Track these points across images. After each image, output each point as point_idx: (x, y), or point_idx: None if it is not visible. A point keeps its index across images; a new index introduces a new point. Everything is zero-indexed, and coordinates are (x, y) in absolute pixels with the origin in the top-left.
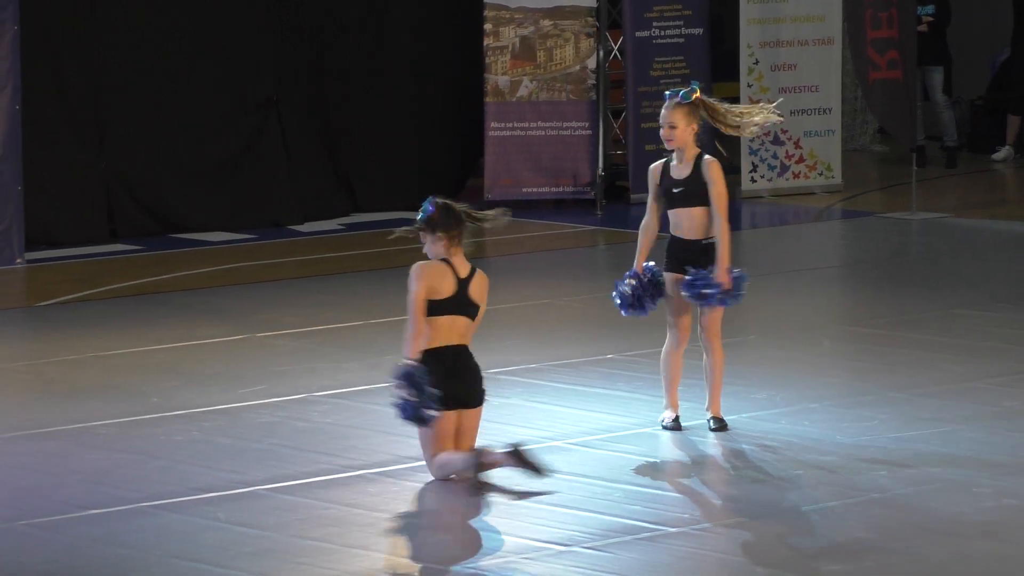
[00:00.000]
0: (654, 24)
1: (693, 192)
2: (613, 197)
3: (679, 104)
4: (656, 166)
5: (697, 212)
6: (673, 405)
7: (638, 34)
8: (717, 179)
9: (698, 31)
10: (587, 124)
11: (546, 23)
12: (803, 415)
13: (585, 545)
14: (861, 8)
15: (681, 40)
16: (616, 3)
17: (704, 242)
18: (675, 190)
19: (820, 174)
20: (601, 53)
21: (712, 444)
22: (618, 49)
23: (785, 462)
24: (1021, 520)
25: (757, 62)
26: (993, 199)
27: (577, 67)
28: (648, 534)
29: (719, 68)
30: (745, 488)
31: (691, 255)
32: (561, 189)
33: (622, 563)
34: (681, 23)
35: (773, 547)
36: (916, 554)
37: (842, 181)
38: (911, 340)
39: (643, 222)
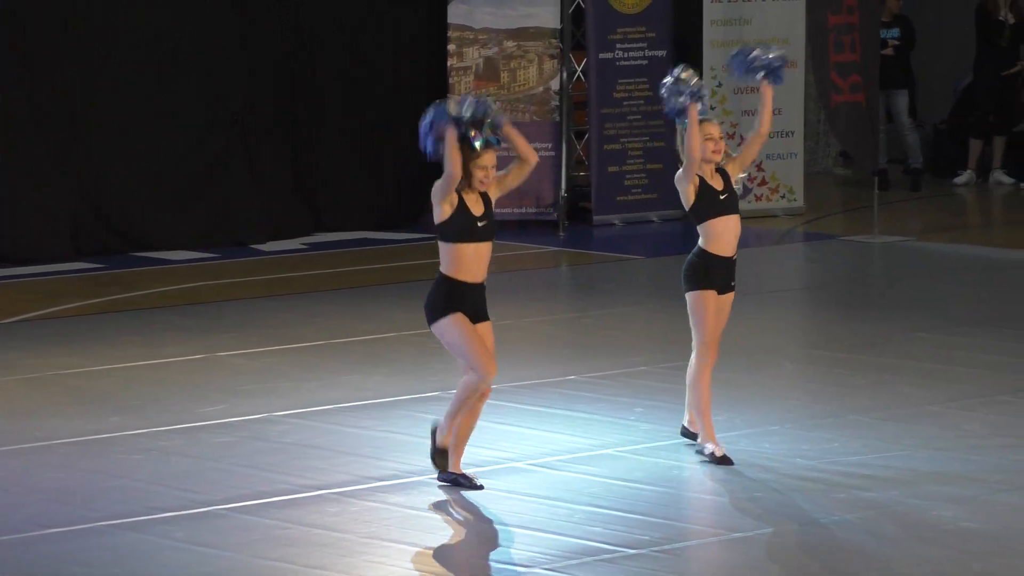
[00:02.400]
0: (617, 46)
1: (735, 197)
2: (576, 218)
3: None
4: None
5: (737, 220)
6: (713, 435)
7: (601, 56)
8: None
9: (661, 53)
10: (550, 145)
11: (510, 44)
12: (763, 437)
13: (546, 567)
14: (824, 32)
15: (644, 62)
16: (580, 25)
17: (735, 259)
18: (721, 196)
19: (782, 197)
20: (564, 74)
21: (673, 466)
22: (581, 70)
23: (745, 485)
24: (980, 542)
25: (720, 84)
26: (955, 223)
27: (540, 88)
28: (608, 556)
29: None
30: (705, 511)
31: (730, 272)
32: (524, 210)
33: None
34: (645, 45)
35: (731, 570)
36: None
37: (804, 204)
38: (872, 363)
39: None
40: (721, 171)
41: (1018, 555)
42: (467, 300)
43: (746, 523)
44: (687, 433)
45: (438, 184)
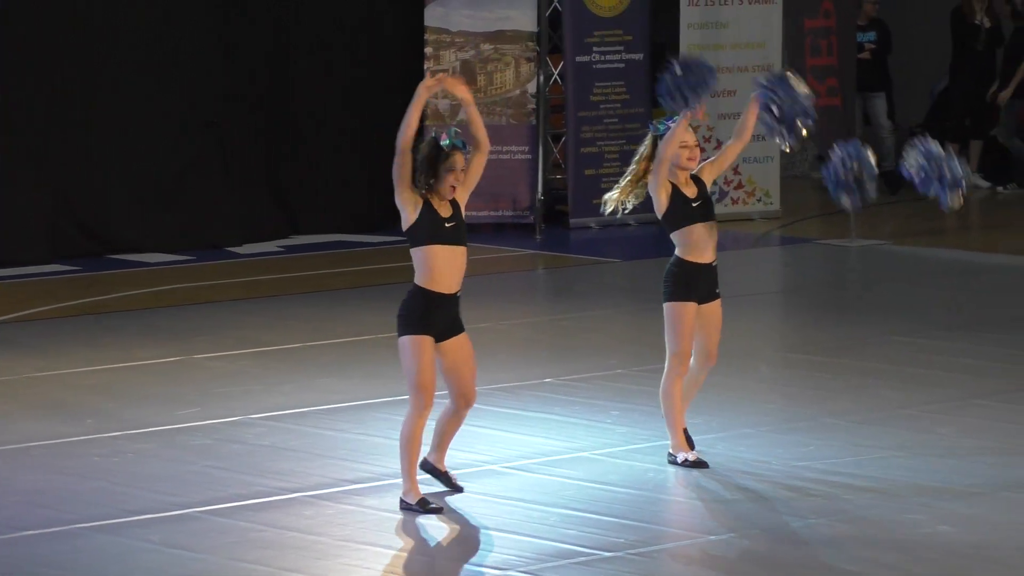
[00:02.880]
0: (594, 49)
1: (710, 204)
2: (552, 221)
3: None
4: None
5: (713, 226)
6: (684, 444)
7: (578, 59)
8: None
9: (638, 56)
10: (527, 148)
11: (487, 47)
12: (739, 440)
13: (520, 569)
14: (800, 35)
15: (622, 65)
16: (557, 28)
17: (715, 264)
18: (694, 204)
19: (759, 200)
20: (541, 78)
21: (648, 469)
22: (558, 74)
23: (720, 488)
24: (956, 548)
25: None
26: (931, 227)
27: (517, 91)
28: (583, 558)
29: None
30: (680, 514)
31: (713, 280)
32: (500, 213)
33: None
34: (622, 48)
35: (706, 573)
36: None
37: (780, 208)
38: (848, 367)
39: None
40: (696, 178)
41: (993, 560)
42: (439, 316)
43: (721, 527)
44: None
45: (393, 173)
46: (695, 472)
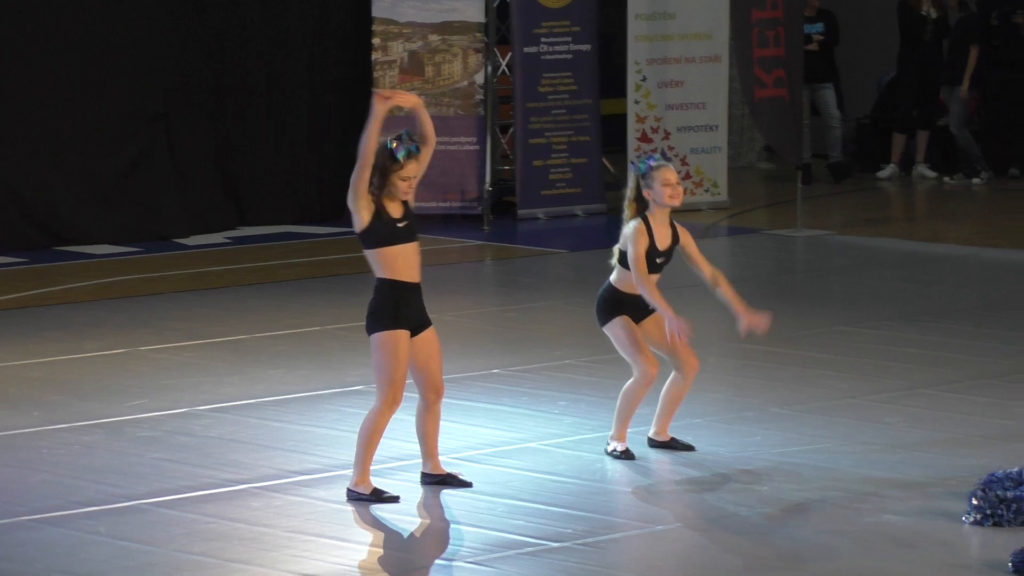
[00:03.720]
0: (542, 40)
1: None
2: (500, 212)
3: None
4: (642, 230)
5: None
6: (623, 435)
7: (526, 50)
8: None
9: (586, 47)
10: (475, 139)
11: (434, 38)
12: (687, 430)
13: (468, 560)
14: (748, 26)
15: (569, 56)
16: (505, 19)
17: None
18: (659, 260)
19: (706, 191)
20: (489, 68)
21: (596, 459)
22: (506, 65)
23: (668, 478)
24: (902, 536)
25: (645, 79)
26: (878, 217)
27: (465, 82)
28: (531, 549)
29: (607, 85)
30: (628, 504)
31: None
32: (448, 204)
33: None
34: (570, 39)
35: (654, 562)
36: (795, 571)
37: (728, 198)
38: (795, 357)
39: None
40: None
41: (938, 544)
42: (410, 307)
43: (669, 516)
44: (653, 443)
45: (352, 181)
46: (643, 462)
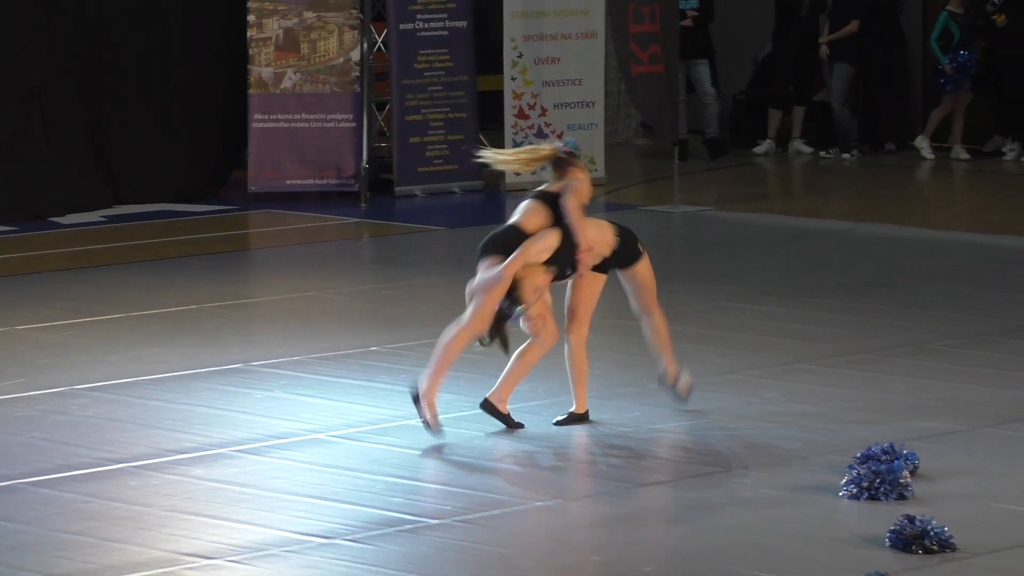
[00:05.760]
0: (418, 17)
1: None
2: (377, 190)
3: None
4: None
5: None
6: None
7: (402, 26)
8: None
9: (462, 24)
10: (351, 116)
11: (310, 15)
12: (566, 406)
13: (347, 538)
14: (623, 3)
15: (445, 33)
16: None
17: None
18: None
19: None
20: (365, 45)
21: (474, 436)
22: (382, 41)
23: (546, 453)
24: (780, 510)
25: (521, 56)
26: (754, 193)
27: (341, 59)
28: (410, 526)
29: (483, 61)
30: (506, 480)
31: None
32: (325, 181)
33: (384, 555)
34: (445, 16)
35: (534, 538)
36: (679, 543)
37: (605, 175)
38: (673, 333)
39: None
40: None
41: (816, 518)
42: None
43: (546, 492)
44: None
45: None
46: (521, 439)
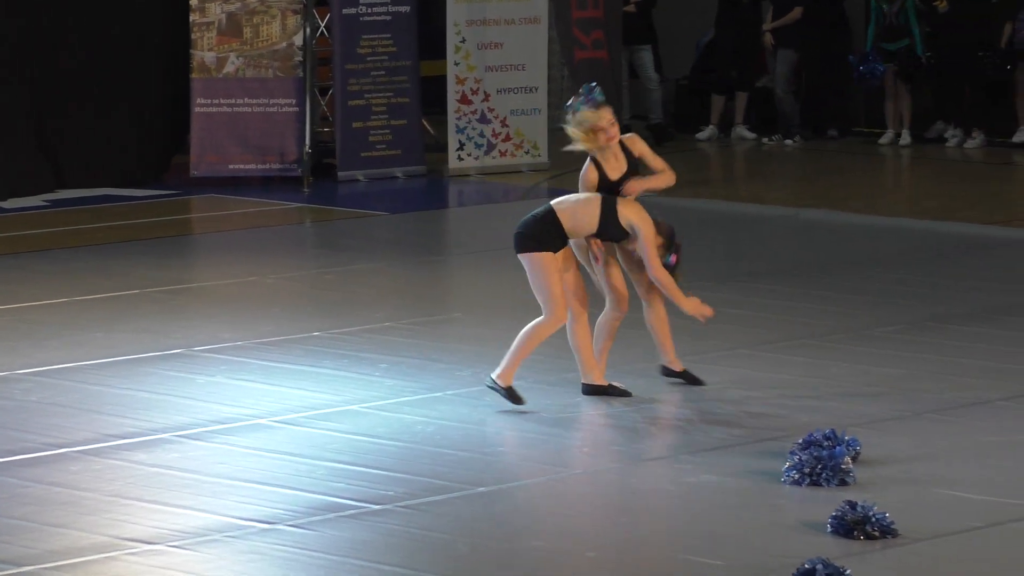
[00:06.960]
0: (361, 2)
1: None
2: (320, 175)
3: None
4: (591, 170)
5: None
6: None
7: (345, 11)
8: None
9: (405, 8)
10: (294, 101)
11: (253, 0)
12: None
13: (289, 523)
14: None
15: (388, 18)
16: None
17: None
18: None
19: (527, 153)
20: (308, 30)
21: (417, 422)
22: (325, 26)
23: (488, 439)
24: (722, 496)
25: (464, 40)
26: (697, 178)
27: (284, 44)
28: (352, 511)
29: (427, 46)
30: (449, 465)
31: None
32: (268, 166)
33: (326, 541)
34: (388, 1)
35: (476, 523)
36: (621, 529)
37: (549, 160)
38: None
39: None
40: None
41: (758, 504)
42: None
43: (489, 478)
44: (668, 372)
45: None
46: (463, 424)
